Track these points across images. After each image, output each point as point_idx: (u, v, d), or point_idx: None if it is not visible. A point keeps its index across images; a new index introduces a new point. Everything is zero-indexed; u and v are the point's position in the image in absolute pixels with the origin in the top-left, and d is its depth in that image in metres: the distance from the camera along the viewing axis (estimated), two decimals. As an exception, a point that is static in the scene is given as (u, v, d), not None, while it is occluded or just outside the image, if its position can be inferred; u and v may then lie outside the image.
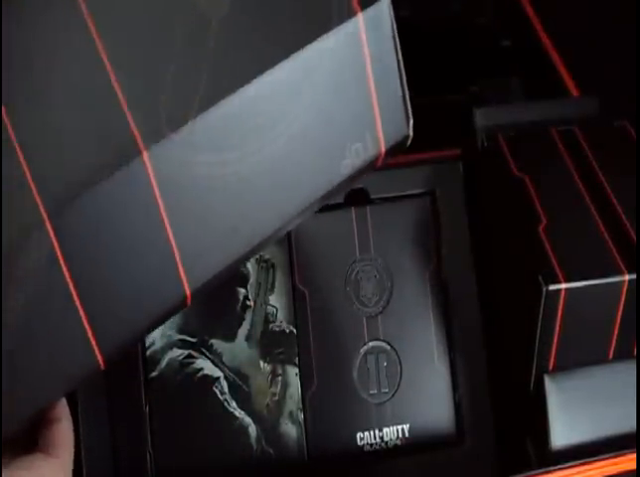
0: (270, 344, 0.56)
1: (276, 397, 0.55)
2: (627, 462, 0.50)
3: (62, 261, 0.34)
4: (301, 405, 0.56)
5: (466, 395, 0.58)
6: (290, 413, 0.55)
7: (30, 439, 0.39)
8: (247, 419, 0.55)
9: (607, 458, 0.50)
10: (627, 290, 0.50)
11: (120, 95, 0.34)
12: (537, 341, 0.51)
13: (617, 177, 0.55)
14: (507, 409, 0.57)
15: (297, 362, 0.56)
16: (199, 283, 0.37)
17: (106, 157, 0.34)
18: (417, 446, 0.57)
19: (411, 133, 0.41)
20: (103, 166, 0.34)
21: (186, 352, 0.55)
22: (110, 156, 0.34)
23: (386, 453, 0.56)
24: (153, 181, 0.35)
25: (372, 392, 0.56)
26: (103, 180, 0.34)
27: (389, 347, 0.57)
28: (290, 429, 0.55)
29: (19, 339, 0.34)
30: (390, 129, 0.40)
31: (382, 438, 0.56)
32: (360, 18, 0.38)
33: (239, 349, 0.55)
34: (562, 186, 0.54)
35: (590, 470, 0.49)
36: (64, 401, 0.40)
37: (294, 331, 0.56)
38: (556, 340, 0.51)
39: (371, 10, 0.38)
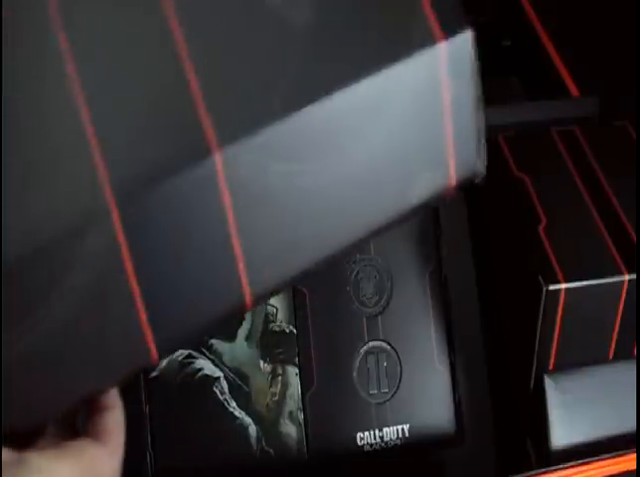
0: (270, 344, 0.56)
1: (276, 397, 0.55)
2: (627, 462, 0.50)
3: (124, 251, 0.33)
4: (301, 405, 0.56)
5: (466, 395, 0.58)
6: (290, 413, 0.55)
7: (77, 426, 0.39)
8: (247, 419, 0.55)
9: (607, 458, 0.50)
10: (627, 290, 0.50)
11: (197, 92, 0.34)
12: (537, 341, 0.51)
13: (617, 177, 0.55)
14: (507, 409, 0.57)
15: (297, 362, 0.56)
16: (259, 291, 0.37)
17: (178, 153, 0.33)
18: (417, 446, 0.57)
19: (484, 171, 0.40)
20: (174, 161, 0.33)
21: (186, 352, 0.55)
22: (182, 152, 0.33)
23: (386, 453, 0.56)
24: (223, 182, 0.34)
25: (372, 392, 0.56)
26: (173, 175, 0.33)
27: (389, 347, 0.57)
28: (290, 429, 0.55)
29: (71, 323, 0.33)
30: (461, 164, 0.39)
31: (382, 438, 0.56)
32: (442, 46, 0.37)
33: (239, 349, 0.55)
34: (562, 186, 0.54)
35: (590, 470, 0.49)
36: (115, 391, 0.39)
37: (294, 331, 0.56)
38: (556, 340, 0.51)
39: (453, 39, 0.37)
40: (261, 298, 0.37)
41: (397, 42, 0.36)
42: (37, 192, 0.32)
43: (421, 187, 0.38)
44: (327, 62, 0.35)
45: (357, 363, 0.56)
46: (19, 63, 0.32)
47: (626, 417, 0.53)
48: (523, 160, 0.55)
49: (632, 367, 0.53)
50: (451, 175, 0.38)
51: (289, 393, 0.56)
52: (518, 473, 0.49)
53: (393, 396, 0.57)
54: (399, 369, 0.57)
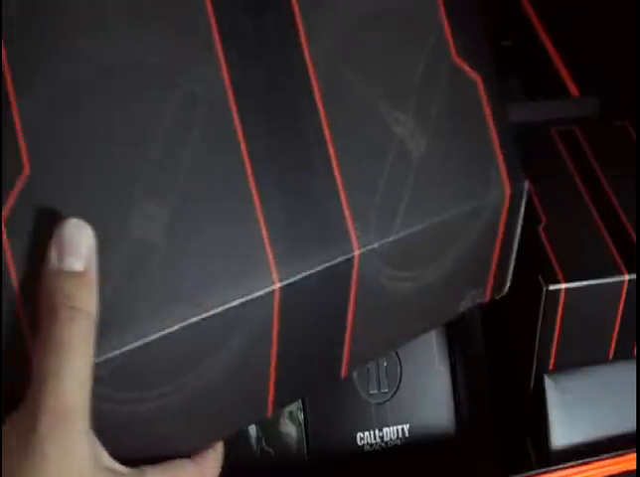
0: (270, 344, 0.56)
1: (276, 397, 0.55)
2: (627, 462, 0.50)
3: (275, 322, 0.37)
4: (301, 405, 0.56)
5: (466, 395, 0.57)
6: (290, 413, 0.55)
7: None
8: (247, 419, 0.55)
9: (607, 458, 0.50)
10: (627, 290, 0.50)
11: (345, 201, 0.39)
12: (537, 341, 0.51)
13: (617, 177, 0.55)
14: (507, 409, 0.57)
15: (297, 362, 0.56)
16: (353, 365, 0.44)
17: (328, 246, 0.38)
18: (417, 446, 0.57)
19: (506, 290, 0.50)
20: (323, 254, 0.38)
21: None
22: (330, 248, 0.38)
23: (386, 453, 0.56)
24: (355, 277, 0.39)
25: (372, 392, 0.56)
26: (320, 266, 0.37)
27: (389, 347, 0.57)
28: (290, 429, 0.55)
29: (216, 382, 0.37)
30: (496, 287, 0.48)
31: (382, 438, 0.56)
32: (507, 190, 0.44)
33: (239, 349, 0.55)
34: (562, 186, 0.54)
35: (590, 470, 0.49)
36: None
37: (294, 331, 0.56)
38: (556, 340, 0.51)
39: (515, 187, 0.44)
40: (350, 370, 0.45)
41: (476, 184, 0.43)
42: (203, 257, 0.35)
43: (467, 300, 0.47)
44: (431, 191, 0.41)
45: (357, 363, 0.56)
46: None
47: (626, 417, 0.53)
48: (523, 160, 0.55)
49: (632, 367, 0.53)
50: (487, 293, 0.48)
51: (289, 393, 0.56)
52: (518, 473, 0.49)
53: (393, 396, 0.57)
54: (398, 369, 0.57)
